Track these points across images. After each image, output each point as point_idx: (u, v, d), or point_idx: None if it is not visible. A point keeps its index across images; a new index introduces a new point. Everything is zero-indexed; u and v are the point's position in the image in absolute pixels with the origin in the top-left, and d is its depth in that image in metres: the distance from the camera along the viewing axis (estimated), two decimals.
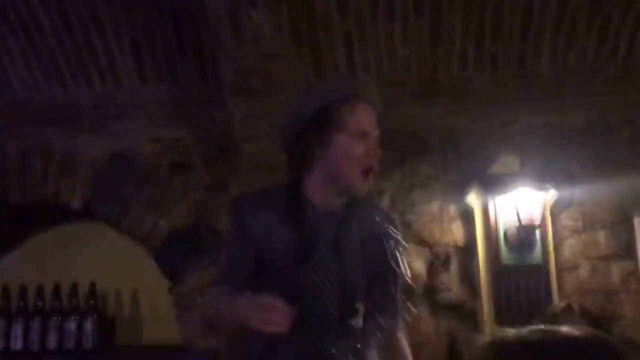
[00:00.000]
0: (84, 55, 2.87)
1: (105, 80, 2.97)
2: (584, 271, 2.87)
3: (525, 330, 0.80)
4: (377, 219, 1.65)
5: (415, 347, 2.84)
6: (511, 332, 0.81)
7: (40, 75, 2.94)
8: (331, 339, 1.52)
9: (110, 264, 3.34)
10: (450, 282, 2.92)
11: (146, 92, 3.00)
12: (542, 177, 2.84)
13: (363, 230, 1.60)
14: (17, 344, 3.13)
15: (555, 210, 2.91)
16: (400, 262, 1.68)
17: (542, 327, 0.81)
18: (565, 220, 2.92)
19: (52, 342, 3.13)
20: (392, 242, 1.65)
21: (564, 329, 0.80)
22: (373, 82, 1.85)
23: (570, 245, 2.90)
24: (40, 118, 3.11)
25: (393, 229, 1.68)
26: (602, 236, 2.90)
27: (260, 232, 1.58)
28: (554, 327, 0.81)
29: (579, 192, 2.92)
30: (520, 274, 2.80)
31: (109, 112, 3.09)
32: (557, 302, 2.75)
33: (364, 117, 1.58)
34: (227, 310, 1.52)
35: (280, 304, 1.40)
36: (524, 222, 2.71)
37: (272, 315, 1.39)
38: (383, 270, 1.62)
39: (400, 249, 1.68)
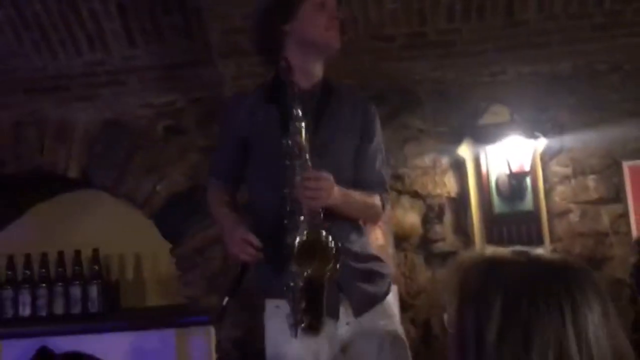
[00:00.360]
0: (71, 22, 2.86)
1: (94, 46, 2.96)
2: (574, 216, 2.94)
3: (508, 250, 0.86)
4: (354, 98, 1.85)
5: (412, 295, 2.96)
6: (497, 250, 0.87)
7: (30, 44, 2.94)
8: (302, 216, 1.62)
9: (112, 230, 3.40)
10: (445, 232, 2.99)
11: (135, 56, 2.99)
12: (532, 126, 2.88)
13: (342, 105, 1.79)
14: (25, 310, 3.21)
15: (545, 157, 2.95)
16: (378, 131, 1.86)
17: (524, 249, 0.87)
18: (556, 167, 2.97)
19: (59, 307, 3.21)
20: (370, 115, 1.83)
21: (541, 251, 0.86)
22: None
23: (561, 191, 2.96)
24: (31, 87, 3.11)
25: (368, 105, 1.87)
26: (591, 181, 2.96)
27: (245, 119, 1.78)
28: (533, 249, 0.87)
29: (568, 139, 2.97)
30: (512, 222, 2.86)
31: (100, 79, 3.09)
32: (548, 247, 2.83)
33: None
34: (217, 222, 1.87)
35: (255, 240, 1.63)
36: (514, 170, 2.76)
37: (245, 247, 1.64)
38: (364, 139, 1.80)
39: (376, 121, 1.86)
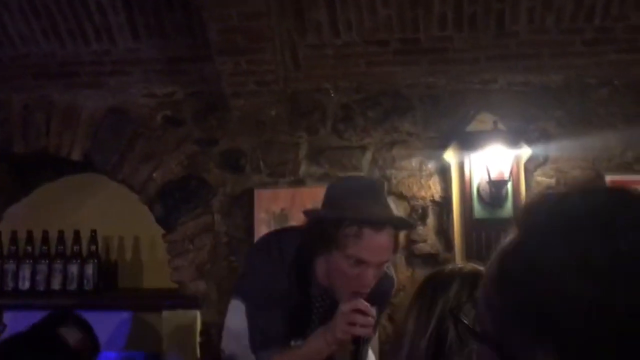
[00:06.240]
0: (79, 12, 2.99)
1: (101, 37, 3.10)
2: None
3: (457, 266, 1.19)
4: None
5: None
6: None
7: (39, 31, 3.08)
8: None
9: (113, 212, 3.55)
10: (427, 234, 3.08)
11: (139, 49, 3.12)
12: (517, 135, 2.95)
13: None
14: (24, 284, 3.38)
15: (530, 167, 3.02)
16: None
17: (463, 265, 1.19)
18: (540, 177, 3.04)
19: (56, 283, 3.37)
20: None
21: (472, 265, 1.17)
22: (398, 211, 1.98)
23: None
24: (40, 73, 3.26)
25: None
26: None
27: (279, 288, 1.73)
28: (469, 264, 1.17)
29: (554, 150, 3.02)
30: (491, 227, 2.93)
31: (105, 68, 3.23)
32: None
33: (366, 246, 1.60)
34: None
35: (365, 305, 1.58)
36: (493, 177, 2.83)
37: (358, 318, 1.56)
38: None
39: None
